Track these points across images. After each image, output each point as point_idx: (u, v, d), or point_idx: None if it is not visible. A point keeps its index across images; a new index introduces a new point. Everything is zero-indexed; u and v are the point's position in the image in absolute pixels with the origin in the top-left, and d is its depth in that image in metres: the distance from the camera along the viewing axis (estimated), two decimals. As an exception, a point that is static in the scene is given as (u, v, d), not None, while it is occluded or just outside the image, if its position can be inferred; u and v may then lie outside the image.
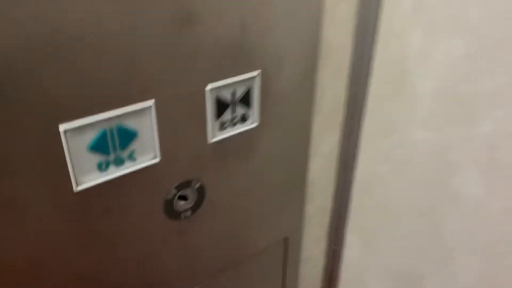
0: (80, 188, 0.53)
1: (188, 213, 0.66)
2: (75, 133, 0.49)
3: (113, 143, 0.53)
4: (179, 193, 0.64)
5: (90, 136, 0.51)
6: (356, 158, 0.84)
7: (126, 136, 0.54)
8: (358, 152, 0.83)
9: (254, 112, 0.65)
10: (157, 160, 0.58)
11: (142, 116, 0.54)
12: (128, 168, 0.56)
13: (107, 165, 0.54)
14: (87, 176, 0.53)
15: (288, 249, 0.87)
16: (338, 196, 0.89)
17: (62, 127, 0.48)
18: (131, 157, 0.56)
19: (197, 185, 0.65)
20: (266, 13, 0.60)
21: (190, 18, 0.53)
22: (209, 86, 0.58)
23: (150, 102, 0.54)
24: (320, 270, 1.01)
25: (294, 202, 0.82)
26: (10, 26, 0.41)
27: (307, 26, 0.65)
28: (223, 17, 0.55)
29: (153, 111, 0.54)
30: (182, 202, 0.65)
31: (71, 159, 0.50)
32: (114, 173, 0.55)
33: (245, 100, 0.63)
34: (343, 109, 0.78)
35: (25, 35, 0.42)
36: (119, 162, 0.55)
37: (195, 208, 0.67)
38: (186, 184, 0.63)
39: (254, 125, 0.66)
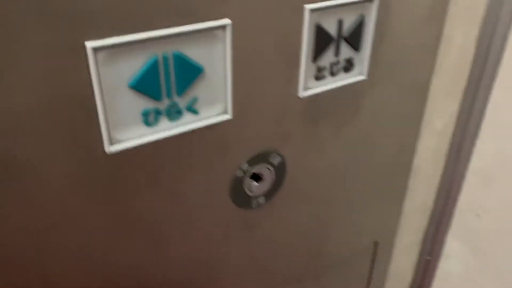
0: (115, 148, 0.34)
1: (261, 199, 0.47)
2: (111, 57, 0.31)
3: (167, 81, 0.34)
4: (253, 170, 0.44)
5: (134, 66, 0.33)
6: (477, 137, 0.62)
7: (187, 72, 0.35)
8: (480, 130, 0.61)
9: (363, 59, 0.45)
10: (227, 117, 0.39)
11: (212, 42, 0.35)
12: (186, 124, 0.37)
13: (157, 116, 0.35)
14: (126, 131, 0.34)
15: (376, 256, 0.67)
16: (443, 190, 0.68)
17: (90, 44, 0.30)
18: (192, 109, 0.37)
19: (277, 160, 0.46)
20: None
21: None
22: (309, 6, 0.38)
23: (225, 22, 0.35)
24: (407, 285, 0.79)
25: (393, 195, 0.62)
26: None
27: None
28: None
29: (228, 37, 0.35)
30: (255, 184, 0.46)
31: (103, 99, 0.32)
32: (166, 130, 0.36)
33: (354, 37, 0.43)
34: (469, 67, 0.57)
35: None
36: (174, 113, 0.36)
37: (271, 193, 0.47)
38: (263, 157, 0.44)
39: (360, 78, 0.46)
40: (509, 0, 0.52)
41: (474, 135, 0.63)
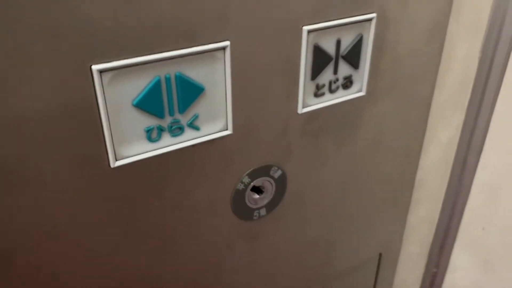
0: (120, 163, 0.36)
1: (263, 211, 0.49)
2: (116, 78, 0.33)
3: (169, 99, 0.36)
4: (253, 183, 0.46)
5: (138, 86, 0.35)
6: (482, 150, 0.62)
7: (189, 91, 0.37)
8: (485, 143, 0.62)
9: (362, 76, 0.47)
10: (227, 132, 0.41)
11: (212, 63, 0.37)
12: (188, 140, 0.39)
13: (160, 132, 0.37)
14: (130, 146, 0.37)
15: (379, 268, 0.67)
16: (449, 202, 0.68)
17: (96, 66, 0.32)
18: (193, 125, 0.39)
19: (278, 174, 0.47)
20: None
21: None
22: (306, 27, 0.40)
23: (225, 44, 0.37)
24: (414, 297, 0.80)
25: (397, 207, 0.63)
26: None
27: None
28: None
29: (227, 58, 0.37)
30: (256, 196, 0.47)
31: (108, 118, 0.34)
32: (169, 145, 0.38)
33: (352, 56, 0.45)
34: (473, 80, 0.57)
35: None
36: (176, 130, 0.38)
37: (272, 205, 0.49)
38: (263, 170, 0.46)
39: (360, 94, 0.48)
40: (512, 16, 0.53)
41: (479, 148, 0.63)
